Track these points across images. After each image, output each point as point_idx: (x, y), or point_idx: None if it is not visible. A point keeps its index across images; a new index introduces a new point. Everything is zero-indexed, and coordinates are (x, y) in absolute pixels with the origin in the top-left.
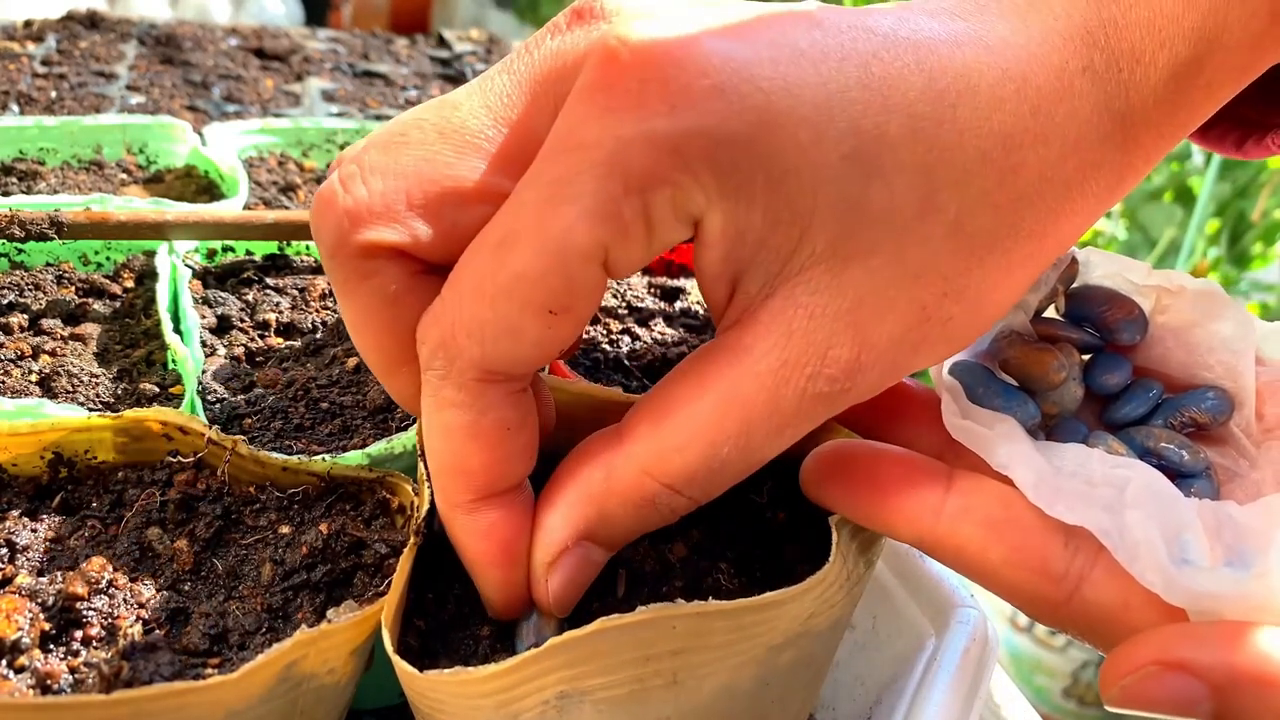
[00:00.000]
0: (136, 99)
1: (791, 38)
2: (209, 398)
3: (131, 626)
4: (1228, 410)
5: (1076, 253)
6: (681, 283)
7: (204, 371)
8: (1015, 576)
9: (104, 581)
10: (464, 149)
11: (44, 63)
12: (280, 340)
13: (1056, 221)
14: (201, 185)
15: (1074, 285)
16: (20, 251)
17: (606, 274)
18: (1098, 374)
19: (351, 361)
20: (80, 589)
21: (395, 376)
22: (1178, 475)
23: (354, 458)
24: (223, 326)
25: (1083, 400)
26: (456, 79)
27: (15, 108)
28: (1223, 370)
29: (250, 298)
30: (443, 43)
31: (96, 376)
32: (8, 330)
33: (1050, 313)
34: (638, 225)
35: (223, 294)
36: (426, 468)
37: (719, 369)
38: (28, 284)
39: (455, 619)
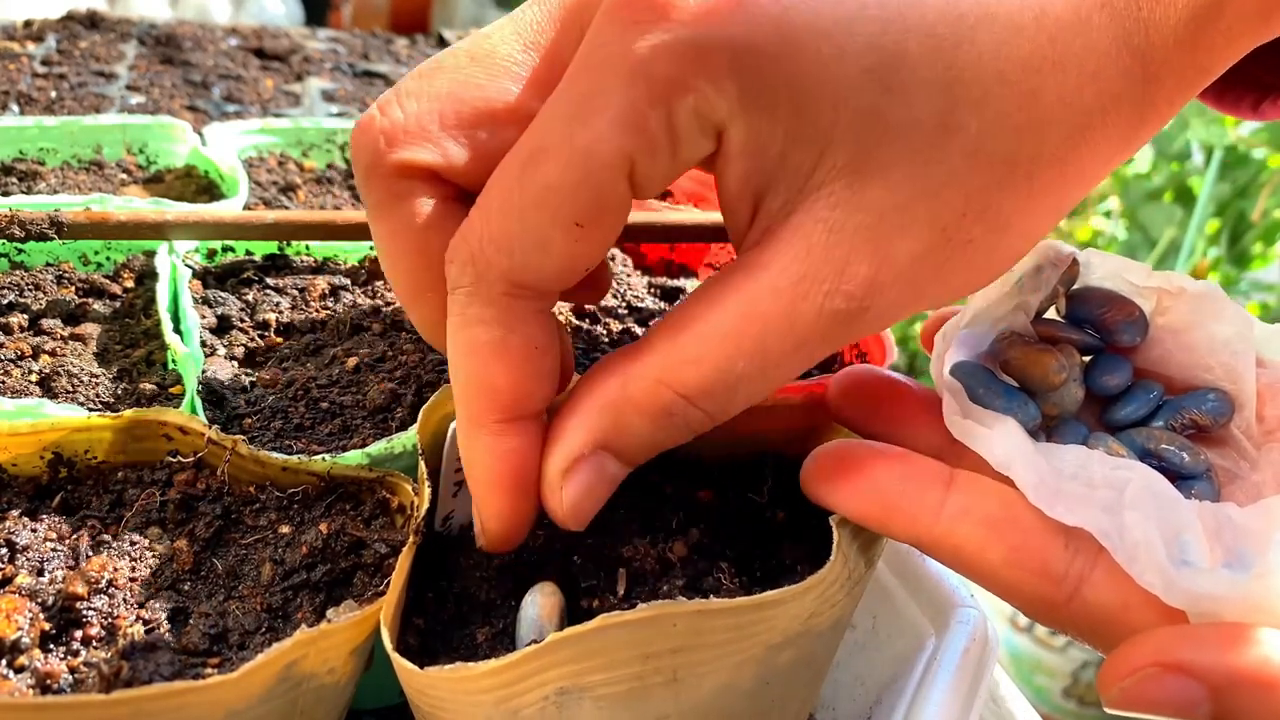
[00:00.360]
0: (136, 99)
1: None
2: (209, 398)
3: (131, 626)
4: (1228, 412)
5: (1077, 254)
6: (681, 283)
7: (204, 371)
8: (1015, 577)
9: (104, 581)
10: (495, 73)
11: (44, 63)
12: (280, 340)
13: (1077, 150)
14: (201, 185)
15: (1074, 286)
16: (20, 251)
17: (632, 190)
18: (1098, 375)
19: (351, 361)
20: (80, 589)
21: (421, 302)
22: (1178, 477)
23: (354, 458)
24: (223, 326)
25: (1083, 401)
26: None
27: (15, 108)
28: (1223, 372)
29: (250, 298)
30: (443, 43)
31: (96, 376)
32: (8, 330)
33: (1051, 314)
34: (663, 136)
35: (223, 294)
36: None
37: (737, 284)
38: (28, 284)
39: (455, 618)
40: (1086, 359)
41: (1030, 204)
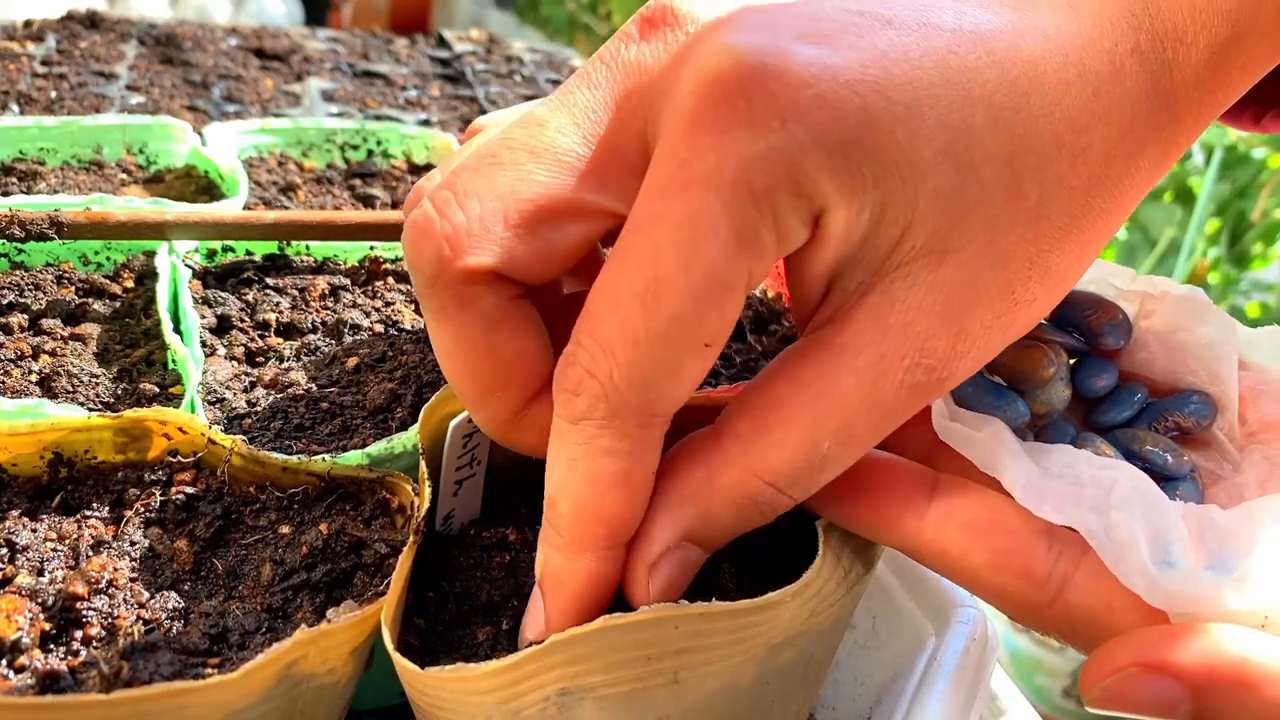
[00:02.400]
0: (136, 99)
1: (870, 40)
2: (209, 398)
3: (131, 626)
4: (1211, 415)
5: None
6: None
7: (204, 371)
8: (998, 580)
9: (104, 581)
10: (555, 167)
11: (44, 63)
12: (280, 340)
13: (1120, 198)
14: (201, 185)
15: None
16: (20, 251)
17: (746, 293)
18: (1085, 376)
19: (351, 361)
20: (80, 589)
21: (488, 404)
22: (1163, 478)
23: (354, 458)
24: (223, 326)
25: (1070, 402)
26: (456, 79)
27: (15, 108)
28: (1206, 375)
29: (250, 298)
30: (443, 43)
31: (96, 376)
32: (8, 330)
33: None
34: (772, 242)
35: (223, 294)
36: (434, 489)
37: (817, 367)
38: (28, 284)
39: (455, 618)
40: (1072, 361)
41: (1080, 256)
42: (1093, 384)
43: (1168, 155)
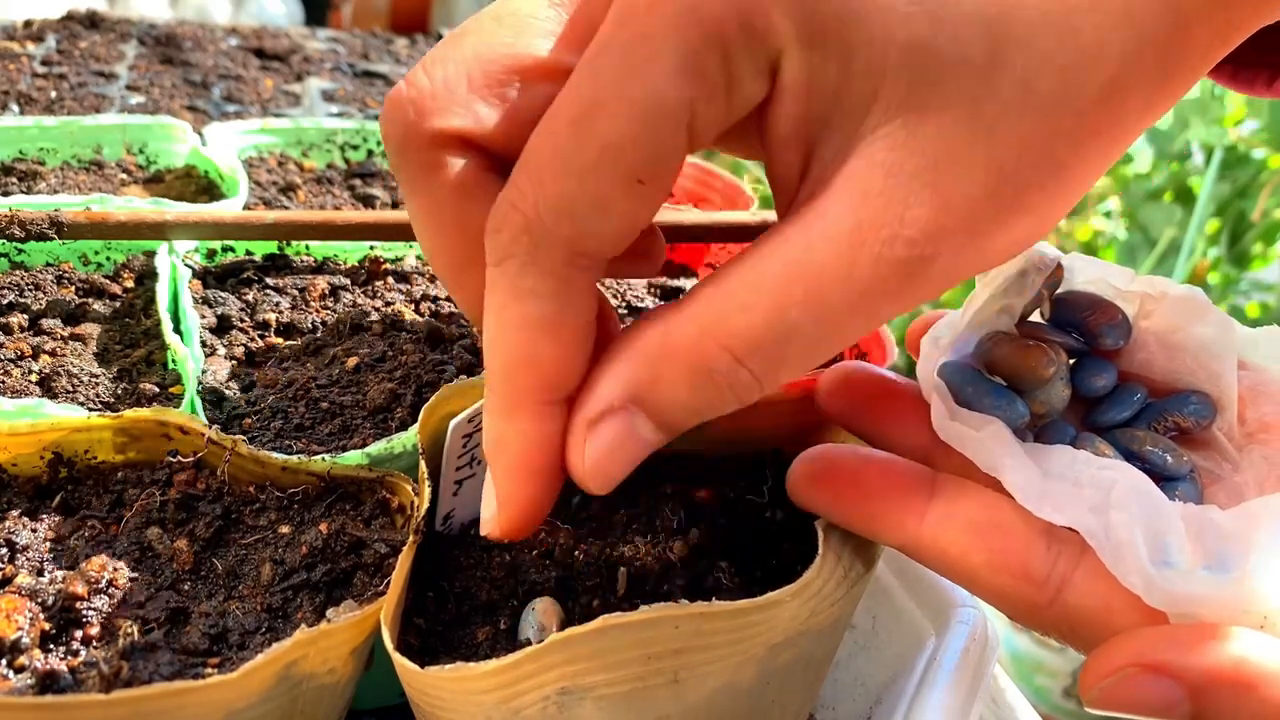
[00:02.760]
0: (136, 99)
1: None
2: (209, 398)
3: (131, 626)
4: (1210, 415)
5: (1061, 258)
6: (681, 283)
7: (204, 371)
8: (997, 580)
9: (104, 581)
10: (521, 30)
11: (44, 63)
12: (280, 340)
13: (1118, 91)
14: (201, 185)
15: (1058, 291)
16: (20, 251)
17: (690, 140)
18: (1084, 376)
19: (351, 361)
20: (80, 589)
21: (463, 278)
22: (1162, 478)
23: (354, 458)
24: (223, 326)
25: (1069, 402)
26: None
27: (15, 108)
28: (1205, 375)
29: (250, 298)
30: None
31: (96, 376)
32: (8, 330)
33: (1035, 318)
34: (720, 78)
35: (223, 294)
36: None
37: (790, 235)
38: (28, 284)
39: (455, 618)
40: (1072, 361)
41: (1081, 148)
42: (1092, 384)
43: (1176, 67)
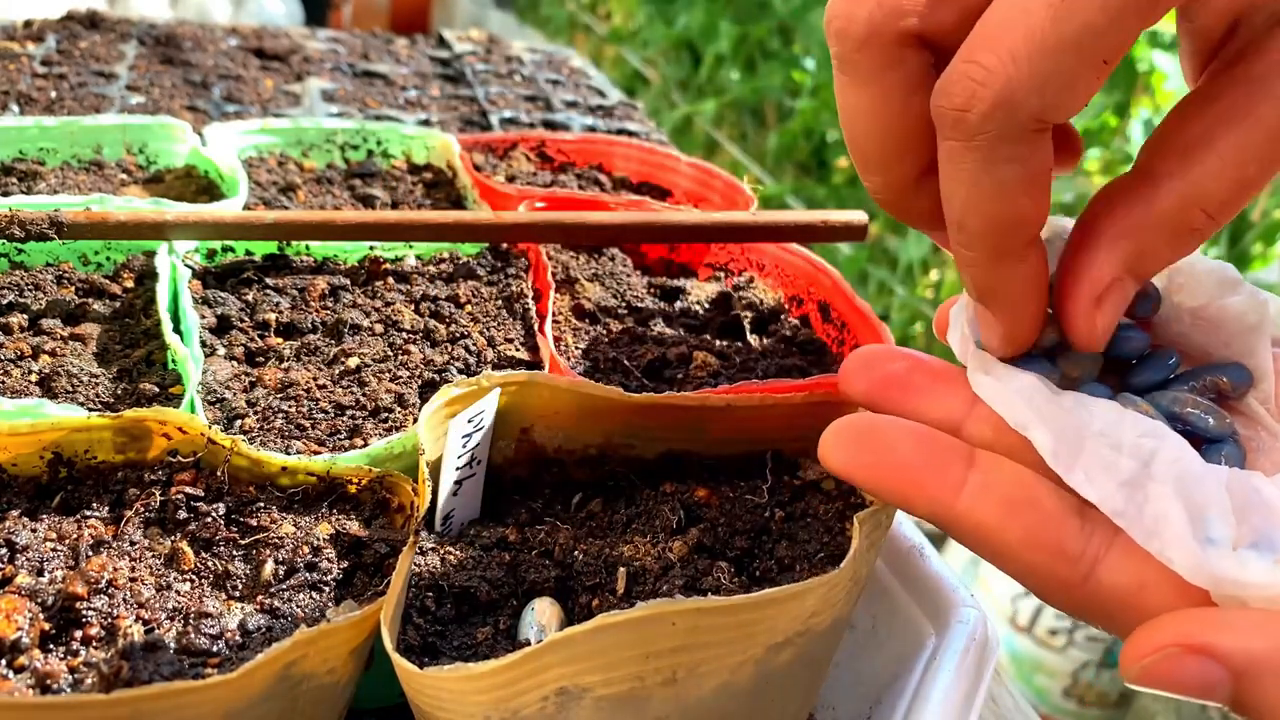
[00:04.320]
0: (136, 99)
1: None
2: (209, 398)
3: (131, 626)
4: (1249, 381)
5: None
6: (681, 283)
7: (204, 371)
8: (1032, 557)
9: (104, 581)
10: None
11: (44, 63)
12: (280, 340)
13: None
14: (201, 185)
15: None
16: (20, 251)
17: (1146, 22)
18: (1116, 340)
19: (351, 361)
20: (80, 589)
21: (892, 167)
22: (1205, 440)
23: (354, 458)
24: (223, 326)
25: (1102, 367)
26: (456, 79)
27: (15, 108)
28: (1239, 347)
29: (250, 298)
30: (443, 43)
31: (96, 376)
32: (8, 330)
33: None
34: None
35: (223, 294)
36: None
37: (1235, 100)
38: (28, 284)
39: (455, 618)
40: None
41: None
42: (1124, 346)
43: None
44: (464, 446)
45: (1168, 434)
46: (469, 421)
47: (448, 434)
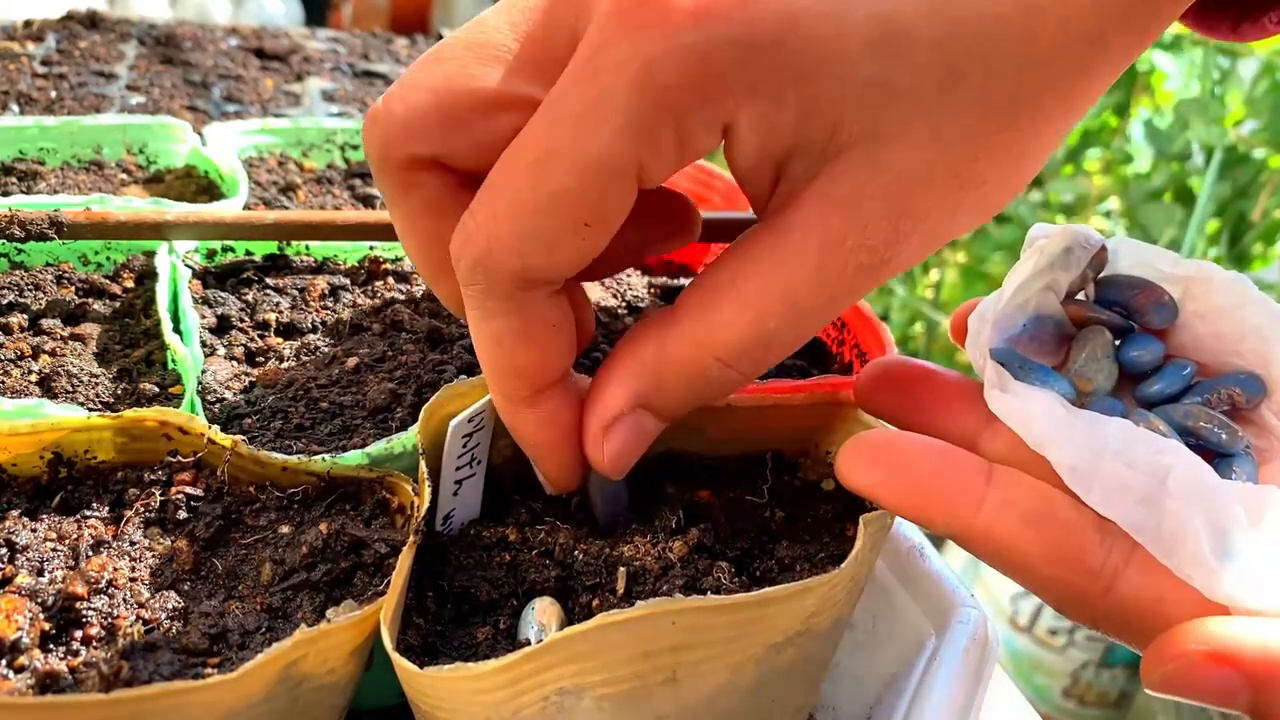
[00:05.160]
0: (136, 99)
1: None
2: (209, 398)
3: (131, 626)
4: (1261, 391)
5: (1106, 241)
6: (681, 282)
7: (204, 371)
8: (1052, 572)
9: (104, 581)
10: (487, 60)
11: (44, 63)
12: (280, 340)
13: (1082, 77)
14: (201, 185)
15: (1103, 274)
16: (20, 251)
17: (638, 186)
18: (1130, 351)
19: (351, 361)
20: (80, 589)
21: (440, 282)
22: (1217, 455)
23: (354, 458)
24: (223, 326)
25: (1117, 380)
26: None
27: (15, 108)
28: (1253, 357)
29: (250, 298)
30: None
31: (96, 376)
32: (8, 330)
33: (1080, 299)
34: (669, 138)
35: (223, 294)
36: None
37: (765, 248)
38: (28, 284)
39: (455, 618)
40: (1117, 343)
41: (1037, 137)
42: (1139, 359)
43: (1148, 30)
44: (464, 447)
45: (1181, 451)
46: (469, 421)
47: (448, 434)
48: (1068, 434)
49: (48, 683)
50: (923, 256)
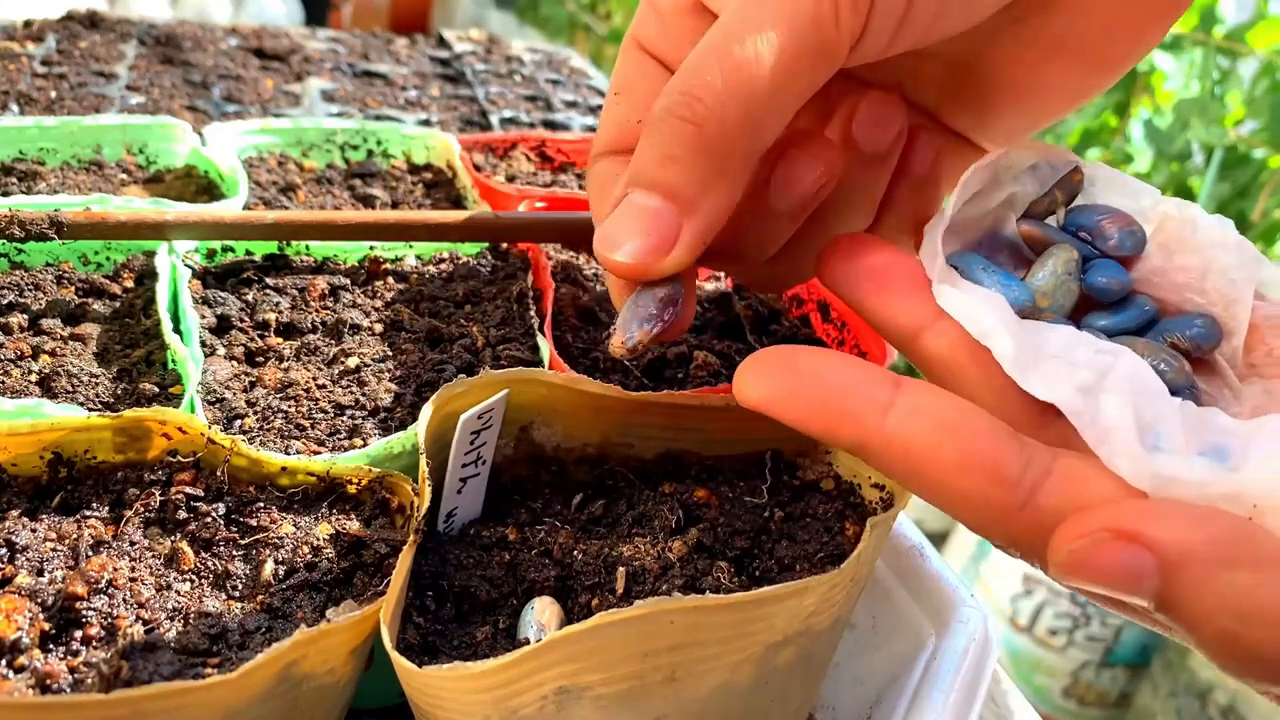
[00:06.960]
0: (136, 99)
1: None
2: (209, 398)
3: (131, 626)
4: (1214, 339)
5: (1081, 163)
6: None
7: (204, 371)
8: (966, 481)
9: (104, 581)
10: None
11: (44, 63)
12: (280, 340)
13: None
14: (201, 185)
15: (1076, 201)
16: (20, 251)
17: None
18: (1099, 276)
19: (351, 361)
20: (80, 589)
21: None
22: None
23: (354, 458)
24: (223, 326)
25: (1076, 303)
26: (456, 79)
27: (15, 108)
28: (1217, 297)
29: (250, 298)
30: (443, 43)
31: (96, 376)
32: (8, 330)
33: (1050, 223)
34: None
35: (223, 294)
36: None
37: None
38: (28, 284)
39: (455, 618)
40: (1087, 266)
41: None
42: (1106, 286)
43: None
44: (472, 444)
45: (1125, 352)
46: (479, 417)
47: (457, 430)
48: (1013, 328)
49: (48, 683)
50: (903, 37)
